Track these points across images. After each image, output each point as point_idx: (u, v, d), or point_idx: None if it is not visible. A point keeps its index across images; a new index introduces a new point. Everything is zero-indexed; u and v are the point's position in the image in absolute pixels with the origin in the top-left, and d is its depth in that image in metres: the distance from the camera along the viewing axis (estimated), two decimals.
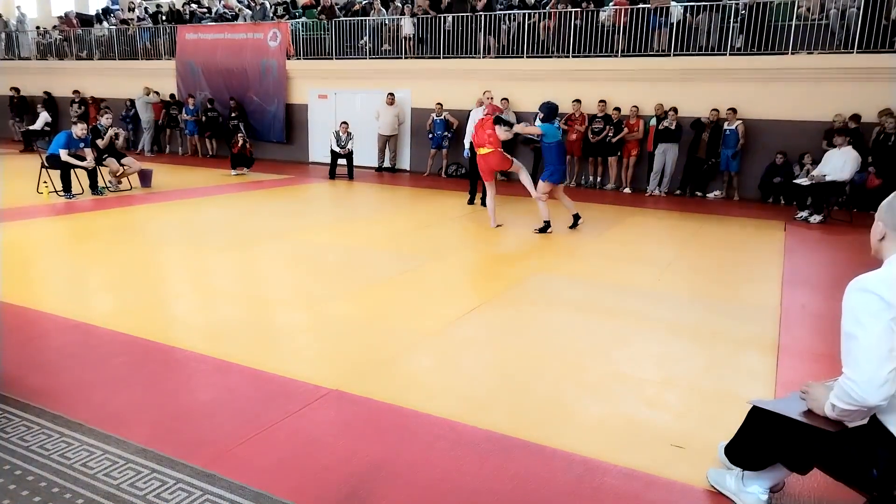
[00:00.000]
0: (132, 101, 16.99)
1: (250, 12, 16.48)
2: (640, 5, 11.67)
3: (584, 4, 12.04)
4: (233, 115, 14.69)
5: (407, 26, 13.79)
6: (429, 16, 13.54)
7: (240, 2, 17.04)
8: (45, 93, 17.91)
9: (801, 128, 10.46)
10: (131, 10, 18.68)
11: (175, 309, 4.59)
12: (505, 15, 12.92)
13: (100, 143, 9.64)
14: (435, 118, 12.92)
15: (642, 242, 7.32)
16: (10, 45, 19.86)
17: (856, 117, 9.89)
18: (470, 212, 8.88)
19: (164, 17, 17.60)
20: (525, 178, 7.86)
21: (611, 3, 12.10)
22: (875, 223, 1.98)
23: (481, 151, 7.64)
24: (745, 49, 10.98)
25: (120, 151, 10.14)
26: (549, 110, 7.47)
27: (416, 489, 2.40)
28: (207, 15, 17.17)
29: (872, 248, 2.03)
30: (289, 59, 15.02)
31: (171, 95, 16.33)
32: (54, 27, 19.26)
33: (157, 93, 16.19)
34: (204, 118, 15.43)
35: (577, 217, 7.79)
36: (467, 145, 9.65)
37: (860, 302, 1.82)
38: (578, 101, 11.73)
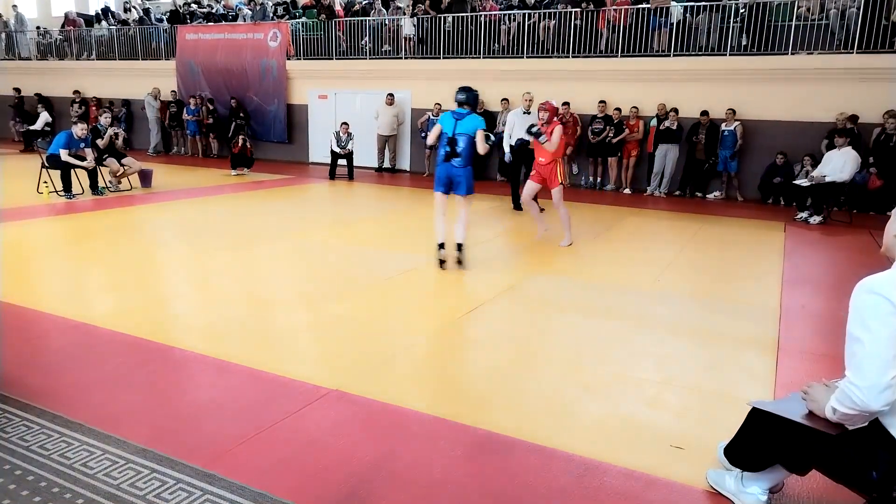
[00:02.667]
0: (126, 102, 17.04)
1: (250, 12, 16.48)
2: (641, 5, 11.68)
3: (583, 5, 12.04)
4: (240, 114, 14.72)
5: (407, 27, 13.80)
6: (429, 16, 13.54)
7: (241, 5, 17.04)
8: (36, 94, 17.82)
9: (802, 128, 10.46)
10: (127, 10, 18.67)
11: (175, 309, 4.59)
12: (505, 15, 12.92)
13: (100, 143, 9.64)
14: (431, 117, 12.91)
15: (642, 243, 7.33)
16: (11, 46, 19.86)
17: (853, 118, 9.90)
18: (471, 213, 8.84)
19: (163, 17, 17.63)
20: (561, 214, 6.90)
21: (609, 5, 12.11)
22: (893, 219, 1.95)
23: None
24: (745, 49, 10.99)
25: (120, 151, 10.14)
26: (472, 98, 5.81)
27: (416, 489, 2.40)
28: (211, 14, 17.16)
29: (884, 245, 1.99)
30: (289, 59, 15.02)
31: (172, 92, 16.32)
32: (58, 29, 19.26)
33: (153, 95, 16.14)
34: (211, 119, 15.40)
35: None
36: (507, 149, 8.98)
37: (868, 304, 1.79)
38: (567, 103, 11.66)
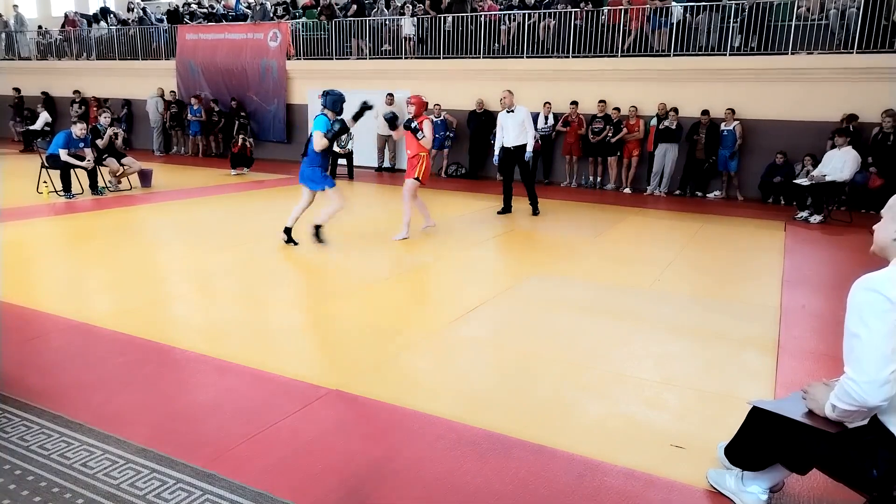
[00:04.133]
0: (126, 102, 17.08)
1: (250, 12, 16.49)
2: (640, 5, 11.68)
3: (582, 4, 12.04)
4: (242, 114, 14.72)
5: (407, 27, 13.80)
6: (429, 16, 13.54)
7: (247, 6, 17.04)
8: (43, 93, 17.91)
9: (801, 128, 10.46)
10: (130, 9, 18.68)
11: (175, 309, 4.59)
12: (505, 15, 12.93)
13: (99, 142, 9.64)
14: (434, 119, 12.90)
15: (642, 242, 7.32)
16: (11, 45, 19.86)
17: (852, 117, 9.91)
18: (470, 212, 8.86)
19: (163, 18, 17.64)
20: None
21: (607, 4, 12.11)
22: (886, 222, 1.94)
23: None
24: (744, 49, 10.99)
25: (120, 151, 10.14)
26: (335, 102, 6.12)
27: (416, 489, 2.40)
28: (211, 14, 17.14)
29: (878, 246, 1.97)
30: (289, 59, 15.02)
31: (171, 93, 16.34)
32: (57, 29, 19.26)
33: (159, 96, 16.19)
34: (223, 119, 15.40)
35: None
36: (498, 149, 8.64)
37: (866, 301, 1.80)
38: (576, 102, 11.72)
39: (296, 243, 6.38)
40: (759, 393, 3.30)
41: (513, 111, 8.47)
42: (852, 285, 1.86)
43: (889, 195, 2.00)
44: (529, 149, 8.49)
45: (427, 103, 7.09)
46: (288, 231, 6.42)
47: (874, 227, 2.00)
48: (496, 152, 8.76)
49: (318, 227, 6.36)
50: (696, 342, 4.11)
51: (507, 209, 8.81)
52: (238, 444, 2.65)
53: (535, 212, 8.78)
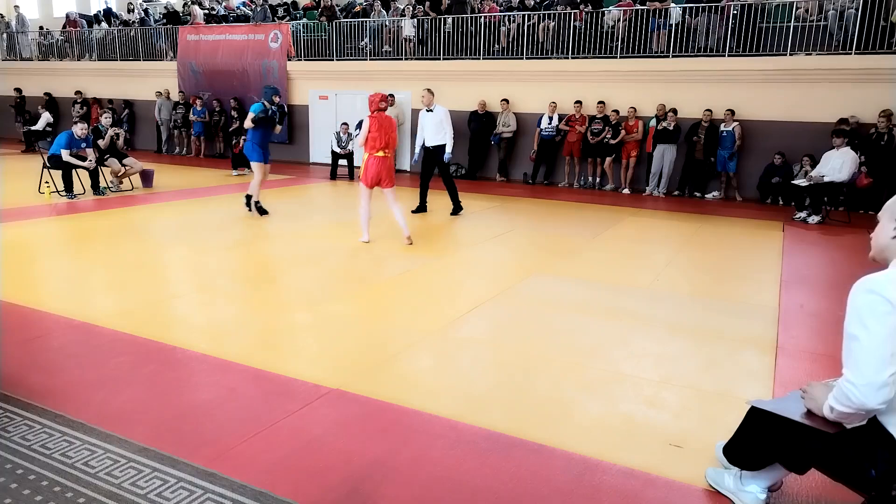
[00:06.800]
0: (128, 102, 17.12)
1: (251, 13, 16.50)
2: (640, 6, 11.70)
3: (581, 6, 12.06)
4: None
5: (407, 28, 13.82)
6: (429, 17, 13.56)
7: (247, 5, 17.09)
8: (46, 93, 17.95)
9: (800, 128, 10.48)
10: (130, 11, 18.70)
11: (176, 308, 4.60)
12: (505, 16, 12.95)
13: (101, 143, 9.66)
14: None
15: (641, 242, 7.34)
16: (12, 46, 19.88)
17: (844, 120, 9.92)
18: (469, 212, 8.86)
19: (163, 19, 17.65)
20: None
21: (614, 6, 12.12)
22: (884, 224, 1.94)
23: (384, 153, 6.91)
24: (743, 50, 11.00)
25: (121, 151, 10.16)
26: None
27: (417, 488, 2.41)
28: (212, 15, 17.15)
29: (878, 250, 1.96)
30: (290, 60, 15.04)
31: (180, 94, 16.37)
32: (59, 30, 19.28)
33: (165, 96, 16.25)
34: (233, 122, 15.42)
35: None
36: (418, 149, 8.53)
37: (866, 303, 1.79)
38: (580, 101, 11.77)
39: (266, 212, 8.15)
40: (758, 392, 3.31)
41: (431, 110, 8.32)
42: (852, 287, 1.85)
43: (877, 194, 2.00)
44: (449, 149, 8.29)
45: (382, 99, 6.59)
46: (249, 200, 8.16)
47: (872, 234, 1.99)
48: (416, 151, 8.62)
49: (249, 197, 8.17)
50: (694, 341, 4.13)
51: (422, 208, 8.63)
52: (239, 443, 2.67)
53: (456, 211, 8.60)
